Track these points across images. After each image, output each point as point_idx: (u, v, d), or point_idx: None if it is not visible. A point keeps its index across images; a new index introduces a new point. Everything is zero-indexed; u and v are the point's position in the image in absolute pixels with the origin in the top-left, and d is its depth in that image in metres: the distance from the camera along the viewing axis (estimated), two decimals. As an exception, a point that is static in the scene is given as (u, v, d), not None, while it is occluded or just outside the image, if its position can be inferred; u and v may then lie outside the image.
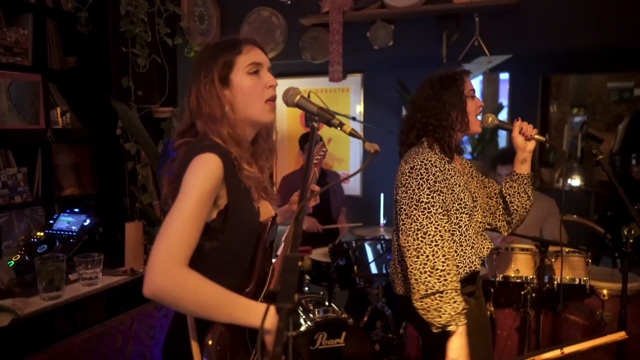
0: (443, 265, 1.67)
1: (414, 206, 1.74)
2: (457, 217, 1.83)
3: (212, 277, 1.19)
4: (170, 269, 1.10)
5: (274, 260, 1.47)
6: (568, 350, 1.12)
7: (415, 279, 1.69)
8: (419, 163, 1.78)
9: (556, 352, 1.12)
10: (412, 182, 1.77)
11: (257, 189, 1.40)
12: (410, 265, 1.70)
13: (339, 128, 1.24)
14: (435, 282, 1.67)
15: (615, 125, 6.01)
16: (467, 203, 1.84)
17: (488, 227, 2.09)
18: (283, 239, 1.58)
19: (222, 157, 1.24)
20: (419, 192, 1.75)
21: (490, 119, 1.96)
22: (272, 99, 1.35)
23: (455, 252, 1.82)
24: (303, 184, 1.11)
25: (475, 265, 1.86)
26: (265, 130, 1.45)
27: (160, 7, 2.90)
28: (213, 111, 1.30)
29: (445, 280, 1.66)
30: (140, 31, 2.80)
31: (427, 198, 1.73)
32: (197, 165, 1.21)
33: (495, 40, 3.16)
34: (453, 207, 1.81)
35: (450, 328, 1.66)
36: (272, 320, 1.15)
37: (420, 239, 1.70)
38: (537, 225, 3.14)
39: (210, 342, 1.21)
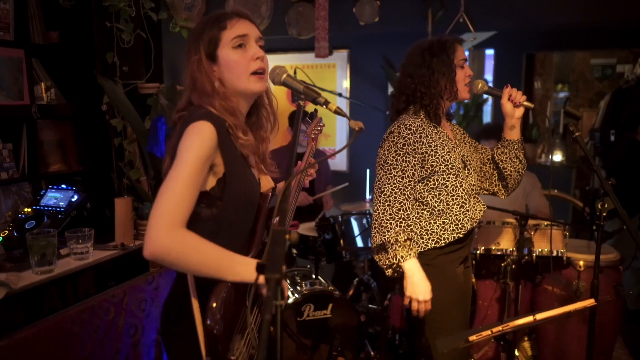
0: (386, 223, 1.82)
1: (381, 166, 1.89)
2: (443, 178, 1.91)
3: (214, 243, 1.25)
4: (168, 230, 1.15)
5: None
6: (540, 316, 1.18)
7: (372, 235, 1.88)
8: (396, 127, 1.90)
9: (529, 319, 1.18)
10: (385, 145, 1.91)
11: (255, 158, 1.46)
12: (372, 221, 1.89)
13: (324, 106, 1.27)
14: (379, 237, 1.85)
15: (597, 101, 6.10)
16: (454, 164, 1.92)
17: (485, 192, 2.16)
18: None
19: (215, 124, 1.29)
20: (387, 154, 1.88)
21: (480, 85, 2.01)
22: (259, 70, 1.37)
23: (442, 211, 1.92)
24: (289, 161, 1.14)
25: (463, 225, 1.93)
26: (267, 101, 1.49)
27: (144, -20, 2.86)
28: (204, 86, 1.36)
29: (385, 235, 1.82)
30: (124, 5, 2.76)
31: (392, 160, 1.86)
32: (191, 133, 1.26)
33: (479, 17, 3.18)
34: (439, 168, 1.90)
35: (398, 270, 1.83)
36: None
37: (377, 196, 1.86)
38: (522, 200, 3.23)
39: (214, 305, 1.25)
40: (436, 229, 1.92)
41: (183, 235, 1.17)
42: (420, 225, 1.93)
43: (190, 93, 1.40)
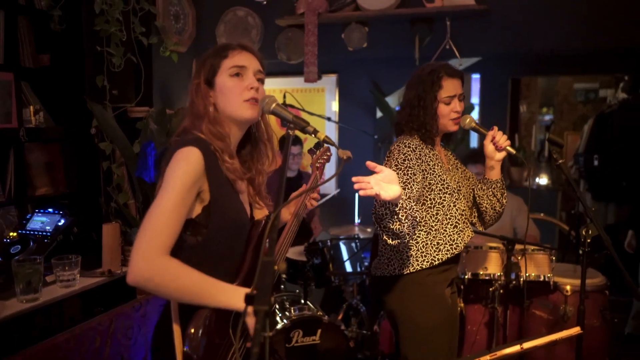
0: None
1: None
2: (439, 197, 1.95)
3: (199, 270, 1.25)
4: (151, 257, 1.17)
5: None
6: (527, 345, 1.19)
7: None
8: (395, 146, 1.95)
9: (516, 348, 1.19)
10: (387, 164, 1.94)
11: (249, 188, 1.49)
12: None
13: (313, 135, 1.29)
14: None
15: (581, 124, 6.21)
16: (450, 184, 1.96)
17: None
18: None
19: (202, 149, 1.31)
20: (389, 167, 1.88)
21: (467, 120, 2.04)
22: (253, 99, 1.41)
23: (437, 230, 1.94)
24: (278, 189, 1.15)
25: (457, 245, 1.96)
26: (267, 135, 1.53)
27: (135, 5, 2.89)
28: (198, 108, 1.42)
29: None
30: (115, 30, 2.79)
31: (397, 170, 1.87)
32: (178, 158, 1.29)
33: (465, 43, 3.25)
34: (436, 187, 1.93)
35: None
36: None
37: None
38: (510, 224, 3.27)
39: (192, 331, 1.26)
40: (431, 250, 1.95)
41: (165, 263, 1.19)
42: (416, 246, 1.95)
43: (188, 118, 1.45)
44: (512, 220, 3.25)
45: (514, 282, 2.64)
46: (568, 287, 2.68)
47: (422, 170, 1.92)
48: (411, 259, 1.95)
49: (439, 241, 1.95)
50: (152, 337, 1.42)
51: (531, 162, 6.13)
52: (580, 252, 1.88)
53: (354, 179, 1.46)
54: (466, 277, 2.74)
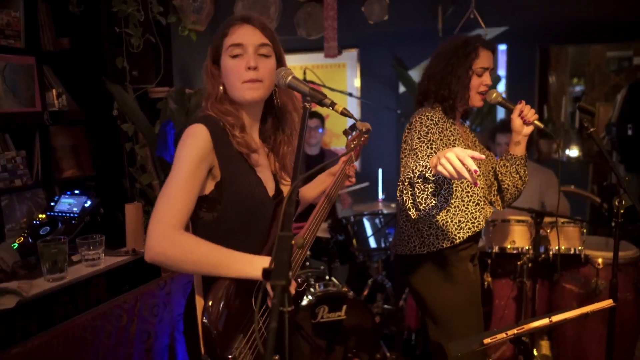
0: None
1: (406, 155, 1.87)
2: None
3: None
4: (165, 234, 1.19)
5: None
6: (556, 318, 1.15)
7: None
8: (416, 119, 1.89)
9: (545, 321, 1.15)
10: (407, 136, 1.90)
11: (274, 162, 1.48)
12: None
13: (330, 107, 1.26)
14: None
15: (613, 95, 5.98)
16: None
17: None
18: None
19: (210, 126, 1.31)
20: (411, 142, 1.85)
21: (494, 95, 1.96)
22: (252, 80, 1.36)
23: (458, 208, 1.90)
24: (295, 162, 1.13)
25: (479, 222, 1.92)
26: (290, 105, 1.48)
27: (152, -15, 2.87)
28: (208, 89, 1.42)
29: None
30: (132, 10, 2.77)
31: (416, 145, 1.82)
32: (185, 137, 1.30)
33: (491, 13, 3.14)
34: None
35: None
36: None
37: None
38: (537, 197, 3.18)
39: (210, 303, 1.26)
40: (452, 227, 1.90)
41: (179, 238, 1.20)
42: (437, 225, 1.91)
43: (203, 99, 1.45)
44: (540, 194, 3.16)
45: (543, 255, 2.58)
46: (600, 260, 2.60)
47: (444, 145, 1.86)
48: (431, 237, 1.92)
49: (460, 219, 1.90)
50: (183, 312, 1.43)
51: (561, 134, 5.96)
52: (613, 223, 1.81)
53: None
54: (493, 251, 2.68)
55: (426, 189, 1.52)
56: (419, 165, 1.52)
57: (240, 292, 1.29)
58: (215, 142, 1.31)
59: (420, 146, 1.81)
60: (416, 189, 1.54)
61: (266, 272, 0.98)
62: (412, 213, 1.60)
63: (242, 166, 1.38)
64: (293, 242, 0.94)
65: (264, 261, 1.26)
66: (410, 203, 1.58)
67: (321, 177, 1.74)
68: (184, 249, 1.20)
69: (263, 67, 1.37)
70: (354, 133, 1.59)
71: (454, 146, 1.88)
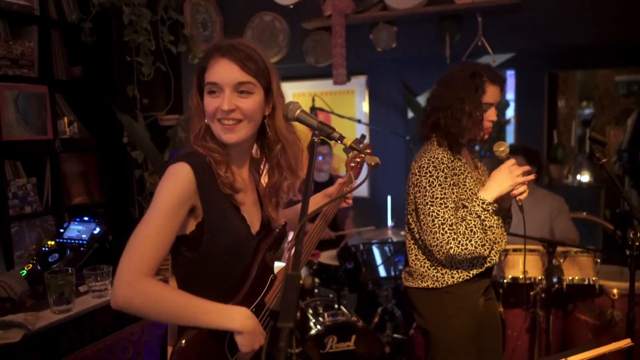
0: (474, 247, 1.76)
1: (430, 203, 1.79)
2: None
3: (197, 286, 1.24)
4: (131, 282, 1.13)
5: (277, 269, 1.46)
6: (573, 359, 1.12)
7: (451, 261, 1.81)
8: (427, 162, 1.83)
9: (561, 361, 1.12)
10: (423, 180, 1.82)
11: (254, 200, 1.40)
12: (438, 254, 1.78)
13: (339, 142, 1.25)
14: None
15: (624, 118, 5.95)
16: None
17: None
18: (287, 245, 1.58)
19: (194, 164, 1.23)
20: (432, 189, 1.79)
21: (502, 148, 1.86)
22: (229, 124, 1.26)
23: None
24: (304, 198, 1.11)
25: (492, 258, 1.90)
26: (281, 149, 1.36)
27: (163, 15, 2.92)
28: (194, 125, 1.32)
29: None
30: (143, 40, 2.82)
31: (441, 193, 1.78)
32: (166, 176, 1.23)
33: (498, 39, 3.14)
34: (467, 201, 1.84)
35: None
36: (243, 321, 1.21)
37: (446, 231, 1.75)
38: (547, 225, 3.13)
39: (181, 344, 1.22)
40: (465, 264, 1.89)
41: (145, 287, 1.14)
42: (451, 262, 1.89)
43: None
44: (551, 221, 3.11)
45: (556, 285, 2.53)
46: (615, 291, 2.55)
47: (457, 184, 1.85)
48: (444, 273, 1.90)
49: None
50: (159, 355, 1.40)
51: (571, 159, 5.91)
52: (628, 253, 1.77)
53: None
54: (505, 281, 2.64)
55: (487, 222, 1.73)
56: (476, 205, 1.74)
57: (211, 339, 1.25)
58: (199, 182, 1.23)
59: (446, 194, 1.79)
60: (472, 231, 1.73)
61: (273, 314, 0.96)
62: (446, 255, 1.75)
63: (225, 206, 1.29)
64: (301, 282, 0.92)
65: (236, 312, 1.23)
66: (457, 245, 1.74)
67: (316, 198, 1.66)
68: (148, 299, 1.14)
69: (243, 107, 1.25)
70: (352, 152, 1.55)
71: (464, 184, 1.87)
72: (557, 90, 5.61)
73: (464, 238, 1.74)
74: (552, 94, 5.21)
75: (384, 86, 4.66)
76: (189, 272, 1.29)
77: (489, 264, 1.90)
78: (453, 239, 1.74)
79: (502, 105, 4.99)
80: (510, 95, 5.22)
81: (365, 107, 4.79)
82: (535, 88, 4.87)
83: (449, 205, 1.78)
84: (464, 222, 1.75)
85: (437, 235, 1.76)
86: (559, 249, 2.53)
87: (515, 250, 2.67)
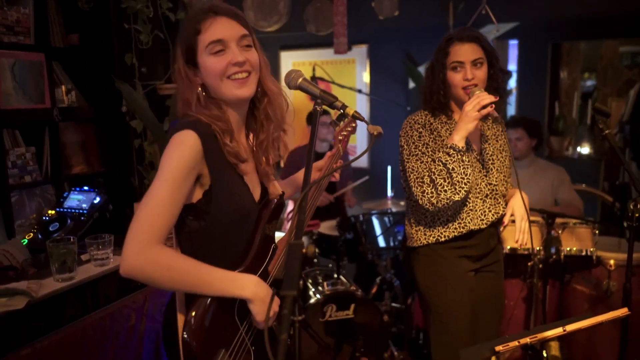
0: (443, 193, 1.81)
1: (406, 160, 1.91)
2: None
3: (203, 256, 1.23)
4: (141, 249, 1.13)
5: (277, 238, 1.47)
6: (570, 327, 1.13)
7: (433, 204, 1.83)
8: (405, 123, 1.97)
9: (558, 330, 1.14)
10: (402, 140, 1.95)
11: (255, 163, 1.40)
12: (424, 205, 1.84)
13: (342, 110, 1.24)
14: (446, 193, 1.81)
15: (626, 90, 5.89)
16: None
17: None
18: (287, 216, 1.59)
19: (200, 132, 1.22)
20: (408, 147, 1.91)
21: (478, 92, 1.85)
22: (242, 77, 1.27)
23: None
24: (306, 169, 1.11)
25: (466, 224, 1.94)
26: (265, 100, 1.36)
27: (161, -19, 2.86)
28: (186, 96, 1.29)
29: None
30: (141, 7, 2.76)
31: (415, 149, 1.89)
32: (172, 145, 1.21)
33: (502, 8, 3.10)
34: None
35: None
36: (253, 289, 1.22)
37: (419, 183, 1.85)
38: (550, 196, 3.14)
39: (192, 317, 1.23)
40: (438, 224, 1.95)
41: (156, 253, 1.14)
42: (425, 221, 1.98)
43: (179, 104, 1.33)
44: (553, 191, 3.13)
45: (553, 256, 2.56)
46: (612, 262, 2.57)
47: (435, 143, 1.92)
48: (418, 231, 1.99)
49: (448, 218, 1.94)
50: (162, 320, 1.39)
51: (572, 131, 5.89)
52: (626, 225, 1.78)
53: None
54: (504, 251, 2.66)
55: (457, 167, 1.76)
56: (441, 151, 1.78)
57: (221, 307, 1.26)
58: (206, 150, 1.22)
59: (418, 149, 1.89)
60: (438, 179, 1.77)
61: (276, 282, 0.96)
62: (430, 206, 1.81)
63: (231, 174, 1.30)
64: (304, 250, 0.93)
65: (247, 279, 1.24)
66: (430, 195, 1.79)
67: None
68: (161, 266, 1.14)
69: (251, 58, 1.28)
70: (340, 124, 1.54)
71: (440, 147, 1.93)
72: (560, 62, 5.54)
73: (430, 187, 1.81)
74: (555, 65, 5.15)
75: (385, 56, 4.61)
76: (195, 242, 1.29)
77: (462, 232, 1.93)
78: (424, 190, 1.82)
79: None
80: (512, 66, 5.16)
81: (366, 77, 4.74)
82: (538, 59, 4.82)
83: (424, 160, 1.86)
84: (429, 172, 1.82)
85: (414, 188, 1.86)
86: (558, 220, 2.54)
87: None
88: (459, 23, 3.14)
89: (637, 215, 1.67)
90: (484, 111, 1.75)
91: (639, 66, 6.58)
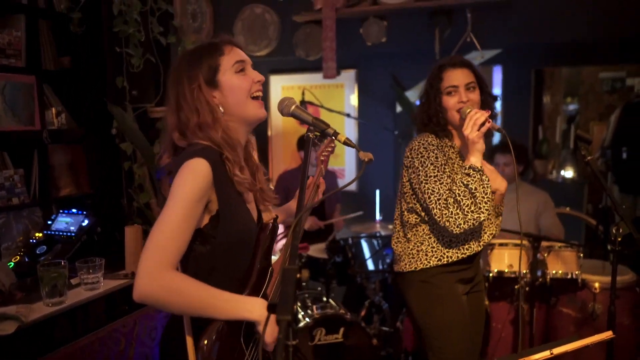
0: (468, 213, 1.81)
1: (424, 181, 1.87)
2: None
3: (207, 279, 1.24)
4: (155, 275, 1.15)
5: (274, 260, 1.49)
6: (557, 351, 1.16)
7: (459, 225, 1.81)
8: (417, 144, 1.94)
9: (545, 353, 1.16)
10: (416, 161, 1.91)
11: (252, 193, 1.42)
12: (449, 227, 1.82)
13: (333, 137, 1.26)
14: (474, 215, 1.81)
15: (607, 114, 6.03)
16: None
17: None
18: (280, 239, 1.60)
19: (210, 160, 1.25)
20: (424, 169, 1.88)
21: (468, 110, 1.89)
22: (259, 95, 1.38)
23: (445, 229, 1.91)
24: (300, 194, 1.13)
25: (470, 246, 1.95)
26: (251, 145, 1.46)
27: (152, 5, 2.90)
28: (204, 118, 1.31)
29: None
30: (133, 31, 2.80)
31: (433, 171, 1.86)
32: (185, 171, 1.23)
33: (486, 36, 3.18)
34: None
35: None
36: (261, 311, 1.24)
37: (442, 205, 1.82)
38: (533, 220, 3.19)
39: (205, 343, 1.24)
40: (441, 246, 1.95)
41: (169, 279, 1.16)
42: (428, 243, 1.97)
43: (181, 130, 1.34)
44: (537, 216, 3.18)
45: (540, 279, 2.59)
46: (597, 285, 2.61)
47: (447, 165, 1.93)
48: (421, 254, 1.98)
49: (452, 239, 1.95)
50: (159, 345, 1.40)
51: (555, 155, 6.00)
52: (610, 248, 1.83)
53: None
54: (491, 274, 2.69)
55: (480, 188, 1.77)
56: (460, 173, 1.79)
57: (231, 332, 1.28)
58: (216, 177, 1.26)
59: (439, 171, 1.87)
60: (463, 200, 1.76)
61: (271, 306, 0.97)
62: (456, 228, 1.79)
63: (238, 201, 1.35)
64: (298, 275, 0.94)
65: (254, 302, 1.26)
66: (457, 216, 1.78)
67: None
68: (174, 291, 1.16)
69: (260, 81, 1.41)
70: (321, 145, 1.60)
71: (452, 168, 1.95)
72: (543, 86, 5.68)
73: (456, 209, 1.80)
74: (538, 90, 5.27)
75: (373, 80, 4.68)
76: (201, 266, 1.30)
77: (467, 251, 1.94)
78: (451, 212, 1.81)
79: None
80: (497, 90, 5.28)
81: (354, 100, 4.81)
82: (521, 84, 4.94)
83: (444, 181, 1.84)
84: (452, 194, 1.81)
85: (436, 210, 1.83)
86: (544, 243, 2.59)
87: (501, 244, 2.72)
88: (445, 49, 3.21)
89: (619, 239, 1.71)
90: (484, 128, 1.79)
91: (619, 91, 6.77)
